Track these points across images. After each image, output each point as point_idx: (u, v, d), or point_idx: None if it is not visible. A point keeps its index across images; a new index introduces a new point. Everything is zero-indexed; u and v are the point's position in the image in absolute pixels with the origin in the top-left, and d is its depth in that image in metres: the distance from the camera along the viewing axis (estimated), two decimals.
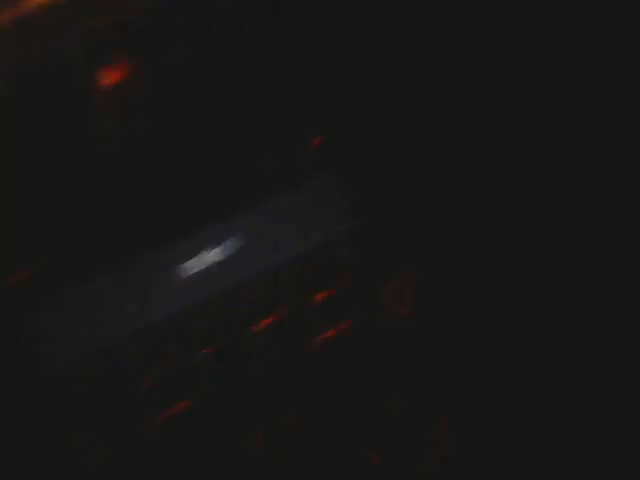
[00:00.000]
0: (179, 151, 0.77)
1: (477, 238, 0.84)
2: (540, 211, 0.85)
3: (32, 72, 0.72)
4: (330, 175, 0.81)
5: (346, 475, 0.82)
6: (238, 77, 0.77)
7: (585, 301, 0.84)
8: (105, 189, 0.74)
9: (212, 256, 0.78)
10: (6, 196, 0.73)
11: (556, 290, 0.84)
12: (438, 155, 0.83)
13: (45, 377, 0.76)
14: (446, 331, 0.84)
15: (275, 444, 0.81)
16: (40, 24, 0.72)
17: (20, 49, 0.71)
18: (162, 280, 0.77)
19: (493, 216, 0.84)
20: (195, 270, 0.78)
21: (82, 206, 0.75)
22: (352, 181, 0.81)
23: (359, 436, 0.82)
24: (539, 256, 0.85)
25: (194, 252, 0.77)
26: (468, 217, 0.84)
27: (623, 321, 0.84)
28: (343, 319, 0.81)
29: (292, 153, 0.79)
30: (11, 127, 0.72)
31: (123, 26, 0.74)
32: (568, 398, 0.83)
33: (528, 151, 0.85)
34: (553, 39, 0.83)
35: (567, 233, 0.84)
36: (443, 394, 0.84)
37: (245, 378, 0.80)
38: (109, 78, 0.73)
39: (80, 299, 0.76)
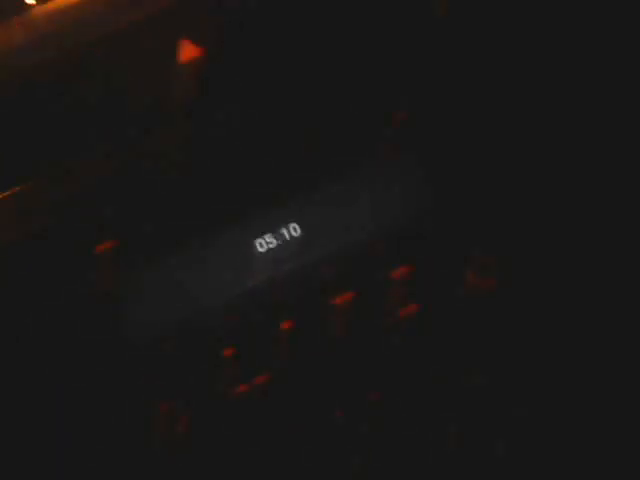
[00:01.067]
0: (259, 125, 0.77)
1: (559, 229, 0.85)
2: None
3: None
4: (412, 153, 0.81)
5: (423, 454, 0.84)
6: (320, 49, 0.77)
7: None
8: (183, 168, 0.76)
9: (291, 231, 0.79)
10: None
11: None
12: (524, 140, 0.83)
13: (125, 347, 0.78)
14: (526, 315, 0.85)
15: (354, 420, 0.83)
16: None
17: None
18: (241, 256, 0.78)
19: (578, 209, 0.85)
20: (273, 245, 0.78)
21: (165, 181, 0.76)
22: (435, 160, 0.82)
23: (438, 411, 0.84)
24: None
25: (274, 227, 0.78)
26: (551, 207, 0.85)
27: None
28: (421, 297, 0.82)
29: (372, 129, 0.80)
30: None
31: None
32: None
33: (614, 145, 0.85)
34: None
35: None
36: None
37: (325, 353, 0.82)
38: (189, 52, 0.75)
39: (167, 268, 0.77)
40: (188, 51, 0.77)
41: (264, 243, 0.78)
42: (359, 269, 0.80)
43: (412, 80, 0.80)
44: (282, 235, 0.78)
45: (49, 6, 0.76)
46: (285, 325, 0.79)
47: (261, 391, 0.80)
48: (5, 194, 0.73)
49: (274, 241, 0.78)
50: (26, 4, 0.75)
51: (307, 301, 0.80)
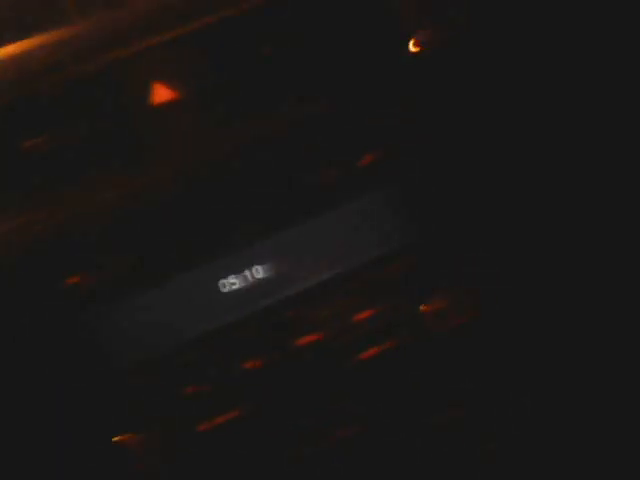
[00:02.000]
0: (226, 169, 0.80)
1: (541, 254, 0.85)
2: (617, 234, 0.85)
3: None
4: (393, 187, 0.82)
5: None
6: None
7: None
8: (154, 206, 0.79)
9: (259, 270, 0.81)
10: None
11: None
12: (501, 170, 0.84)
13: (97, 378, 0.81)
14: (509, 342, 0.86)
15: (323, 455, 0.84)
16: None
17: None
18: (205, 293, 0.80)
19: (559, 234, 0.85)
20: (238, 286, 0.80)
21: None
22: (415, 194, 0.82)
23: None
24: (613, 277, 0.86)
25: (244, 265, 0.80)
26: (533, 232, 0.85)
27: None
28: (394, 336, 0.83)
29: (351, 165, 0.82)
30: None
31: None
32: None
33: (602, 176, 0.85)
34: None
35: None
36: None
37: (294, 390, 0.83)
38: None
39: (151, 299, 0.80)
40: (160, 93, 0.80)
41: (228, 284, 0.80)
42: (324, 311, 0.82)
43: (381, 122, 0.82)
44: (246, 277, 0.80)
45: None
46: (250, 364, 0.81)
47: (227, 428, 0.82)
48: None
49: (237, 282, 0.80)
50: None
51: (272, 341, 0.82)
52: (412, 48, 0.82)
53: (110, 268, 0.80)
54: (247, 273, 0.80)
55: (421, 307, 0.82)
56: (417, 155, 0.83)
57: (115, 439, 0.81)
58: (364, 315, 0.82)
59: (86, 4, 0.85)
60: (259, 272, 0.81)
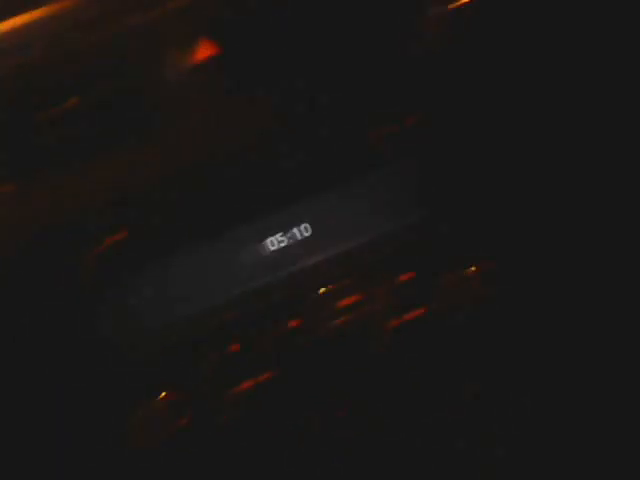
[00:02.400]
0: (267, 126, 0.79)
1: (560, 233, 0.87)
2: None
3: None
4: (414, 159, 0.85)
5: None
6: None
7: None
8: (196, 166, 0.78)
9: (288, 236, 0.81)
10: None
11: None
12: (523, 145, 0.85)
13: (131, 340, 0.79)
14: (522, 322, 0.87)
15: (353, 422, 0.83)
16: None
17: None
18: (250, 252, 0.79)
19: (578, 211, 0.86)
20: (274, 248, 0.80)
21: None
22: (436, 166, 0.85)
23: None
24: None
25: (273, 231, 0.80)
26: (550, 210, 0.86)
27: None
28: (419, 304, 0.83)
29: (373, 137, 0.82)
30: None
31: None
32: None
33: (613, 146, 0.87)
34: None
35: None
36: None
37: (323, 358, 0.83)
38: None
39: (182, 263, 0.79)
40: (204, 49, 0.79)
41: (275, 242, 0.80)
42: (364, 271, 0.82)
43: (419, 86, 0.83)
44: (293, 234, 0.80)
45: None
46: (292, 323, 0.81)
47: (264, 389, 0.81)
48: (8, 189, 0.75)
49: (285, 240, 0.80)
50: None
51: (314, 301, 0.81)
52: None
53: (150, 227, 0.78)
54: (294, 231, 0.80)
55: (468, 269, 0.83)
56: (436, 129, 0.84)
57: (147, 401, 0.79)
58: (407, 277, 0.83)
59: None
60: (305, 231, 0.80)
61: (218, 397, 0.81)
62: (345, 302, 0.82)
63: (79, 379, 0.79)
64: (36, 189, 0.77)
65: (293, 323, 0.81)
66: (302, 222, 0.80)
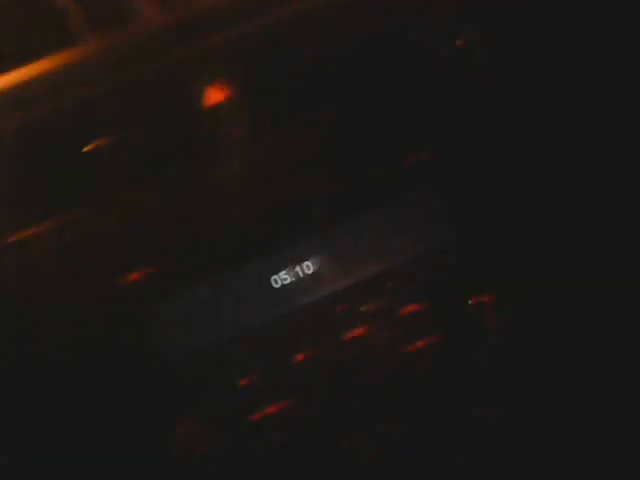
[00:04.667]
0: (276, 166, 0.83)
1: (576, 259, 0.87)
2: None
3: None
4: (428, 189, 0.86)
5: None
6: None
7: None
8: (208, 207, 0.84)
9: (310, 265, 0.84)
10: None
11: None
12: (540, 176, 0.87)
13: (152, 371, 0.84)
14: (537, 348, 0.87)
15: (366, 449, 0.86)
16: None
17: None
18: (263, 287, 0.84)
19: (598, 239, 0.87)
20: (294, 279, 0.84)
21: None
22: (451, 196, 0.86)
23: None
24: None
25: (295, 261, 0.84)
26: (567, 236, 0.87)
27: None
28: (435, 331, 0.86)
29: (392, 166, 0.85)
30: None
31: None
32: None
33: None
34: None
35: None
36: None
37: (339, 383, 0.86)
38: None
39: (206, 293, 0.84)
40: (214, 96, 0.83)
41: (281, 278, 0.83)
42: (371, 305, 0.84)
43: (427, 124, 0.84)
44: (296, 272, 0.83)
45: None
46: (299, 357, 0.84)
47: (276, 419, 0.85)
48: (41, 227, 0.81)
49: (288, 277, 0.83)
50: None
51: (321, 335, 0.84)
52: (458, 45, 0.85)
53: (169, 264, 0.83)
54: (298, 269, 0.83)
55: (470, 301, 0.84)
56: (462, 154, 0.85)
57: (168, 426, 0.84)
58: (411, 309, 0.84)
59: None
60: (309, 268, 0.83)
61: (234, 427, 0.85)
62: (355, 333, 0.85)
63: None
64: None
65: (304, 355, 0.84)
66: (312, 256, 0.83)
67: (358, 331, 0.84)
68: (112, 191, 0.83)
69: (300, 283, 0.83)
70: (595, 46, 0.85)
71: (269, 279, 0.83)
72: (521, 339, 0.87)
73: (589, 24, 0.85)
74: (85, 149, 0.82)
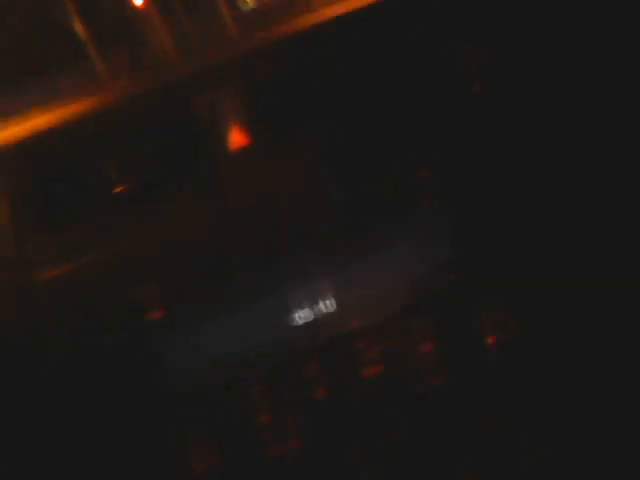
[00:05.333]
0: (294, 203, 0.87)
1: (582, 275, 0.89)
2: None
3: None
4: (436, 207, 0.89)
5: None
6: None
7: None
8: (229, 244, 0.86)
9: (331, 303, 0.87)
10: None
11: None
12: (549, 192, 0.89)
13: (170, 404, 0.85)
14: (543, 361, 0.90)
15: None
16: None
17: None
18: (278, 325, 0.87)
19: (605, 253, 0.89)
20: (310, 318, 0.87)
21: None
22: (458, 214, 0.89)
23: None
24: None
25: (309, 302, 0.87)
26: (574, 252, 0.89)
27: None
28: (449, 369, 0.88)
29: (396, 185, 0.87)
30: None
31: None
32: None
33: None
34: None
35: None
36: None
37: (355, 420, 0.88)
38: None
39: (225, 329, 0.86)
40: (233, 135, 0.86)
41: (301, 316, 0.85)
42: (389, 343, 0.86)
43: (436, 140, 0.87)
44: (318, 309, 0.85)
45: None
46: (320, 393, 0.85)
47: (294, 455, 0.86)
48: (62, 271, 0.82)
49: (310, 314, 0.85)
50: None
51: (339, 371, 0.86)
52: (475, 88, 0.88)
53: (190, 300, 0.85)
54: (315, 307, 0.85)
55: (487, 340, 0.86)
56: (472, 179, 0.88)
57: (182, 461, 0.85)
58: (426, 348, 0.86)
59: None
60: (327, 306, 0.85)
61: (250, 462, 0.86)
62: (370, 372, 0.86)
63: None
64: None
65: (320, 392, 0.86)
66: (328, 296, 0.85)
67: (376, 369, 0.86)
68: (131, 229, 0.85)
69: (319, 320, 0.85)
70: (596, 71, 0.89)
71: (289, 316, 0.85)
72: (536, 377, 0.89)
73: (591, 50, 0.88)
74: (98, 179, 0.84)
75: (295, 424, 0.86)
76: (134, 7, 0.90)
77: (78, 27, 0.88)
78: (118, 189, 0.84)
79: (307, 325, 0.85)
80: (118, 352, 0.84)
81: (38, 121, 0.83)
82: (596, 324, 0.89)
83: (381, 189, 0.87)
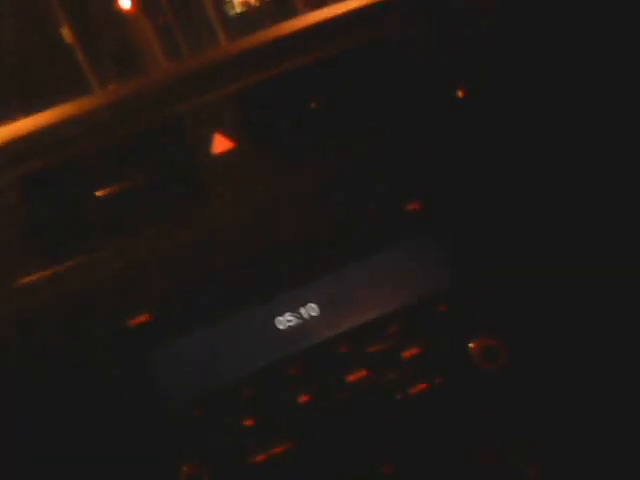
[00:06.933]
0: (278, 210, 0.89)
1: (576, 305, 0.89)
2: None
3: None
4: (428, 237, 0.89)
5: None
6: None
7: None
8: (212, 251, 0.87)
9: (309, 310, 0.87)
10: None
11: None
12: (539, 222, 0.89)
13: (154, 415, 0.85)
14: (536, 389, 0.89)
15: None
16: None
17: None
18: (262, 331, 0.86)
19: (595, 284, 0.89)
20: (294, 323, 0.86)
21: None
22: (450, 243, 0.89)
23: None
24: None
25: (292, 307, 0.86)
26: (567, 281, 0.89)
27: None
28: (434, 374, 0.88)
29: (389, 215, 0.88)
30: None
31: None
32: None
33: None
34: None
35: None
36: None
37: (340, 427, 0.87)
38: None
39: (210, 336, 0.86)
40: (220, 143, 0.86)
41: (284, 321, 0.85)
42: (373, 347, 0.86)
43: (425, 170, 0.87)
44: (301, 314, 0.85)
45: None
46: (303, 399, 0.85)
47: (278, 461, 0.86)
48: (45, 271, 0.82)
49: (294, 319, 0.85)
50: None
51: (323, 377, 0.86)
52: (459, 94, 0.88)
53: (173, 308, 0.84)
54: (302, 311, 0.85)
55: (470, 345, 0.86)
56: (461, 200, 0.88)
57: (171, 469, 0.85)
58: (412, 352, 0.86)
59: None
60: (313, 310, 0.85)
61: (235, 469, 0.85)
62: (354, 377, 0.86)
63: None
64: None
65: (305, 397, 0.86)
66: (312, 301, 0.85)
67: (360, 373, 0.86)
68: (114, 237, 0.85)
69: (303, 326, 0.85)
70: (594, 102, 0.89)
71: (272, 322, 0.85)
72: (521, 381, 0.89)
73: (587, 80, 0.88)
74: (88, 197, 0.84)
75: (279, 429, 0.86)
76: (122, 11, 0.91)
77: (66, 31, 0.89)
78: (102, 193, 0.84)
79: (291, 330, 0.85)
80: (101, 360, 0.84)
81: (22, 124, 0.83)
82: (589, 333, 0.89)
83: (367, 200, 0.87)
